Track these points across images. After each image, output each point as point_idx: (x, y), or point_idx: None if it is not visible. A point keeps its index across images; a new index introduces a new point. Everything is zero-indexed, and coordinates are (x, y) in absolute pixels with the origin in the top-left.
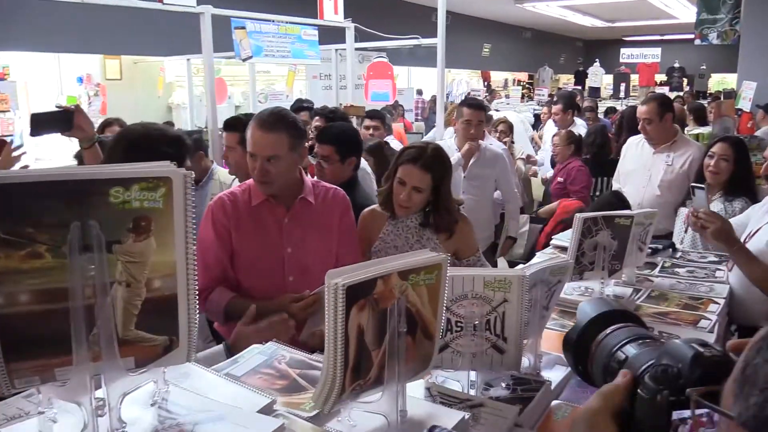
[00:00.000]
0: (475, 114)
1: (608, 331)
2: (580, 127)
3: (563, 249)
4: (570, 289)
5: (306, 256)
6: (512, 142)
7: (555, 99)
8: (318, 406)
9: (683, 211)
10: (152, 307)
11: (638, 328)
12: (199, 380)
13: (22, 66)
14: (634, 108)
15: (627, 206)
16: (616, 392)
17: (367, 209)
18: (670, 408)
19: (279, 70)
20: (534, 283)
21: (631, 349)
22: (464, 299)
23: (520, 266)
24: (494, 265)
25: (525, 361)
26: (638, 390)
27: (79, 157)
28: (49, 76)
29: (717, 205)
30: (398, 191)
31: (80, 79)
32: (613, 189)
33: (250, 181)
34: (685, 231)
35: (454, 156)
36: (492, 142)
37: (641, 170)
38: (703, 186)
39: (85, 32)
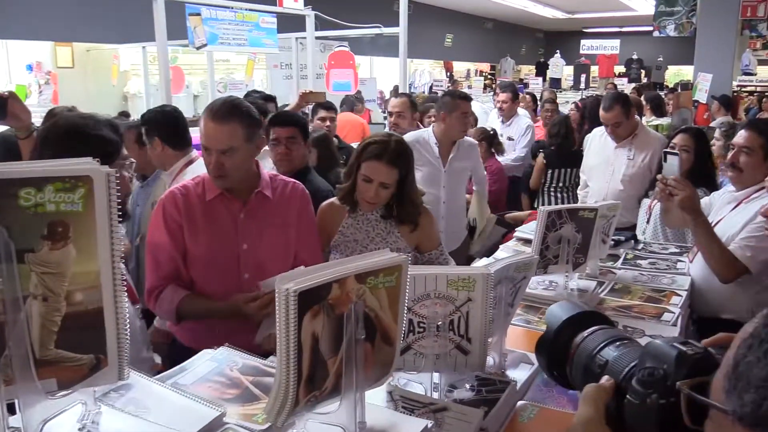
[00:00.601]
0: (468, 105)
1: (585, 334)
2: (522, 117)
3: (527, 242)
4: (534, 283)
5: (262, 253)
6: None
7: (502, 88)
8: (270, 419)
9: (646, 203)
10: (74, 324)
11: (613, 329)
12: (142, 392)
13: None
14: (595, 98)
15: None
16: (602, 394)
17: (325, 203)
18: (660, 411)
19: (239, 59)
20: (499, 280)
21: (610, 352)
22: (427, 299)
23: (483, 262)
24: (467, 260)
25: (489, 360)
26: (627, 396)
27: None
28: None
29: None
30: (364, 188)
31: (30, 67)
32: (581, 181)
33: (205, 173)
34: (647, 221)
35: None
36: None
37: (604, 165)
38: (677, 152)
39: (34, 18)
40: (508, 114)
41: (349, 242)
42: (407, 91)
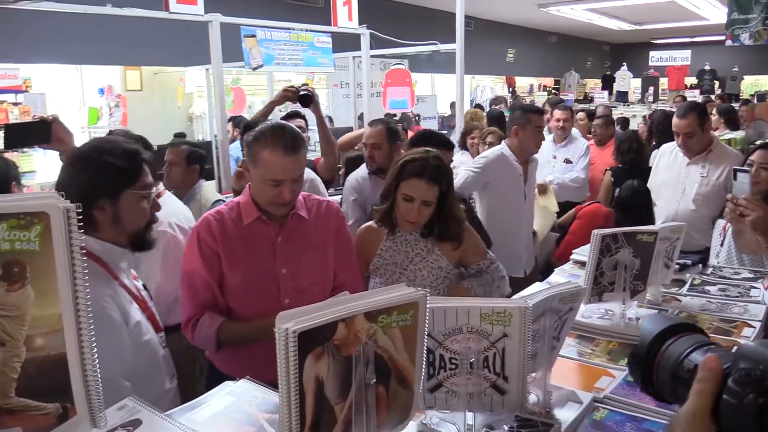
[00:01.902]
0: (541, 119)
1: (669, 341)
2: (578, 136)
3: (582, 264)
4: (588, 312)
5: (302, 276)
6: None
7: (557, 105)
8: None
9: (720, 224)
10: (36, 370)
11: (699, 335)
12: (152, 430)
13: (44, 78)
14: (664, 112)
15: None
16: (712, 382)
17: (363, 226)
18: (759, 410)
19: (300, 79)
20: (542, 311)
21: (698, 356)
22: (458, 333)
23: (536, 287)
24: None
25: (533, 398)
26: (723, 395)
27: None
28: (71, 88)
29: None
30: (406, 208)
31: (101, 91)
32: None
33: (238, 199)
34: (721, 244)
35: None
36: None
37: (674, 182)
38: (747, 169)
39: (105, 44)
40: (564, 134)
41: (389, 265)
42: (470, 107)
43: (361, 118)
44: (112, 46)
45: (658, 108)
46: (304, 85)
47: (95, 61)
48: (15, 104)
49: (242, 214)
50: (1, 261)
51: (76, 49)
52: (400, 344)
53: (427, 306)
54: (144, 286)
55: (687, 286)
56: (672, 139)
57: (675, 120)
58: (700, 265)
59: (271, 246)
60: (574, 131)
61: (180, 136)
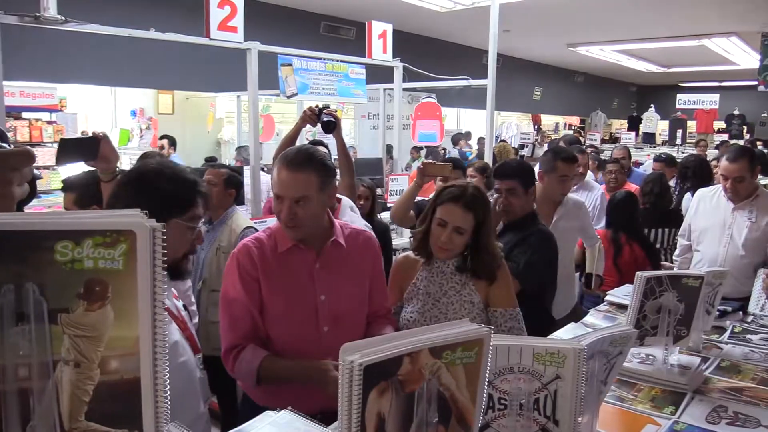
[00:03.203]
0: (569, 167)
1: None
2: (591, 181)
3: (620, 307)
4: (629, 356)
5: (340, 304)
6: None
7: (575, 148)
8: None
9: (764, 272)
10: (108, 394)
11: None
12: None
13: (79, 98)
14: (698, 157)
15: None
16: None
17: (401, 255)
18: None
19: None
20: (591, 354)
21: None
22: (509, 373)
23: (571, 330)
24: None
25: None
26: None
27: (68, 186)
28: (104, 109)
29: None
30: (438, 233)
31: (134, 113)
32: (678, 245)
33: (276, 224)
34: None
35: None
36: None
37: (719, 227)
38: None
39: (140, 67)
40: (579, 179)
41: (421, 295)
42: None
43: (389, 151)
44: (147, 69)
45: (686, 151)
46: (326, 107)
47: (130, 84)
48: (49, 123)
49: (278, 242)
50: (83, 279)
51: (111, 71)
52: (462, 382)
53: None
54: (184, 306)
55: (728, 333)
56: (708, 184)
57: (725, 164)
58: (741, 313)
59: (309, 272)
60: (589, 175)
61: (210, 160)
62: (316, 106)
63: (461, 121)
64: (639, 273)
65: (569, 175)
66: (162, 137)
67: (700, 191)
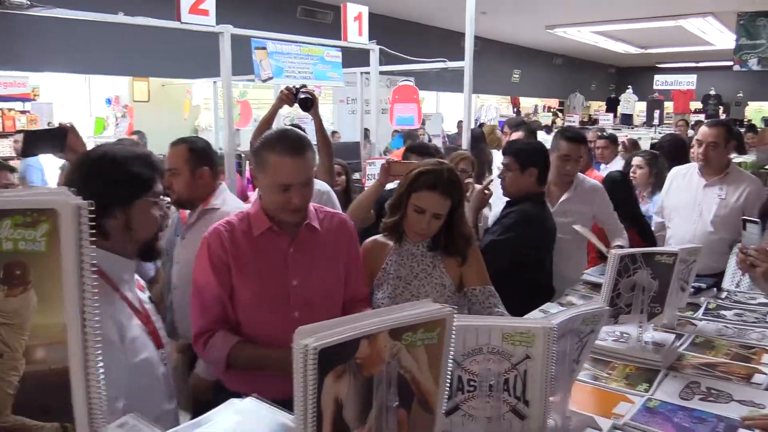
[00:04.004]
0: (572, 147)
1: None
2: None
3: (594, 286)
4: (604, 334)
5: (313, 289)
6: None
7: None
8: None
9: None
10: (35, 385)
11: None
12: None
13: (52, 87)
14: (675, 136)
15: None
16: None
17: (368, 240)
18: None
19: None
20: (563, 333)
21: None
22: (478, 354)
23: (545, 313)
24: None
25: (550, 422)
26: None
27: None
28: (80, 98)
29: None
30: (416, 220)
31: (109, 101)
32: (653, 223)
33: (248, 209)
34: (743, 273)
35: None
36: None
37: (690, 204)
38: (757, 220)
39: (114, 54)
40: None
41: (392, 279)
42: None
43: (367, 135)
44: (121, 57)
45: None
46: (302, 86)
47: (104, 72)
48: (23, 112)
49: (252, 225)
50: (2, 262)
51: (85, 58)
52: (425, 364)
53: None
54: (150, 298)
55: (702, 310)
56: (683, 162)
57: (702, 129)
58: (715, 289)
59: (283, 257)
60: None
61: None
62: (294, 87)
63: (440, 104)
64: (613, 251)
65: (572, 156)
66: (133, 133)
67: (675, 169)
